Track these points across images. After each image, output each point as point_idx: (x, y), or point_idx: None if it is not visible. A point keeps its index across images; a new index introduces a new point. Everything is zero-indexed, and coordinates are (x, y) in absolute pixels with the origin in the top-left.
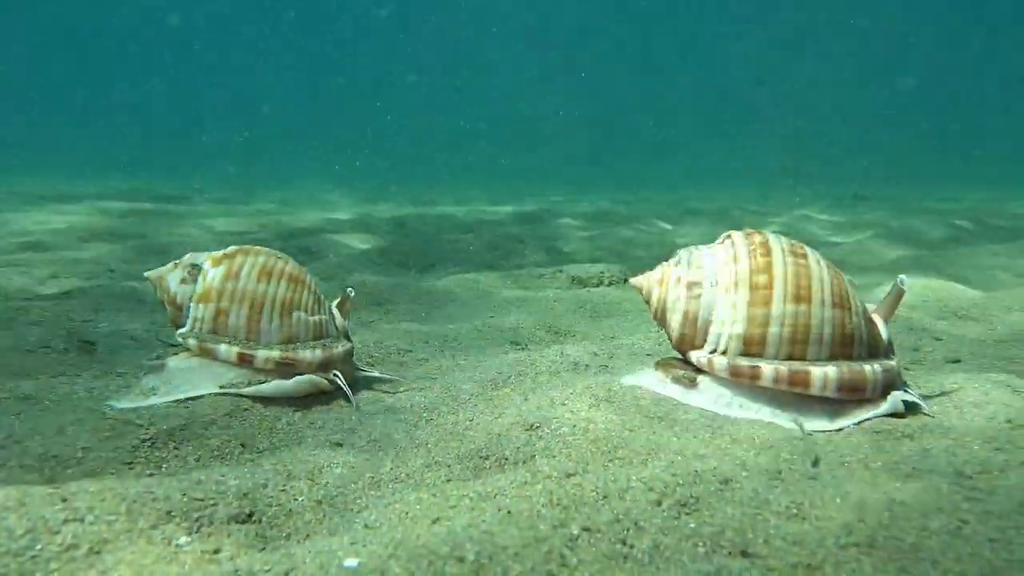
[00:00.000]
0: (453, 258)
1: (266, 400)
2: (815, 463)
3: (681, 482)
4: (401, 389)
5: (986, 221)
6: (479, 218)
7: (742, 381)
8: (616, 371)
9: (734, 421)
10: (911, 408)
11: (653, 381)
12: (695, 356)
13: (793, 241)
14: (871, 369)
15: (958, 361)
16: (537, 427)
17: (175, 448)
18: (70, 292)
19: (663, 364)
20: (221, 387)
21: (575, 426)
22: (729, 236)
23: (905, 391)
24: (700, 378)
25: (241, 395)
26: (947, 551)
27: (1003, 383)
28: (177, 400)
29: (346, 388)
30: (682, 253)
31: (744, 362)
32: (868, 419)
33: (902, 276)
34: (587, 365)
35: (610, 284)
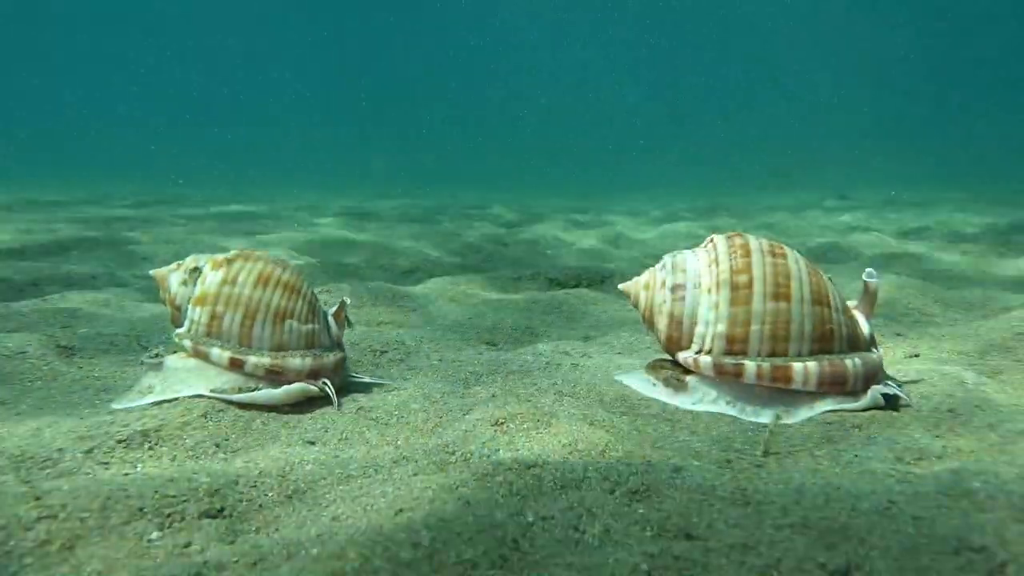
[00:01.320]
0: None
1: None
2: (765, 452)
3: (635, 471)
4: (374, 388)
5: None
6: None
7: (727, 379)
8: (586, 370)
9: (695, 415)
10: (892, 401)
11: (642, 383)
12: (682, 357)
13: (772, 242)
14: (852, 363)
15: (917, 356)
16: (503, 423)
17: (150, 449)
18: (48, 297)
19: (652, 366)
20: (212, 391)
21: (538, 421)
22: (711, 240)
23: (886, 384)
24: (688, 378)
25: (231, 402)
26: (873, 529)
27: (952, 376)
28: (171, 399)
29: (333, 396)
30: (666, 258)
31: (728, 360)
32: (845, 410)
33: (869, 269)
34: (559, 364)
35: (588, 285)
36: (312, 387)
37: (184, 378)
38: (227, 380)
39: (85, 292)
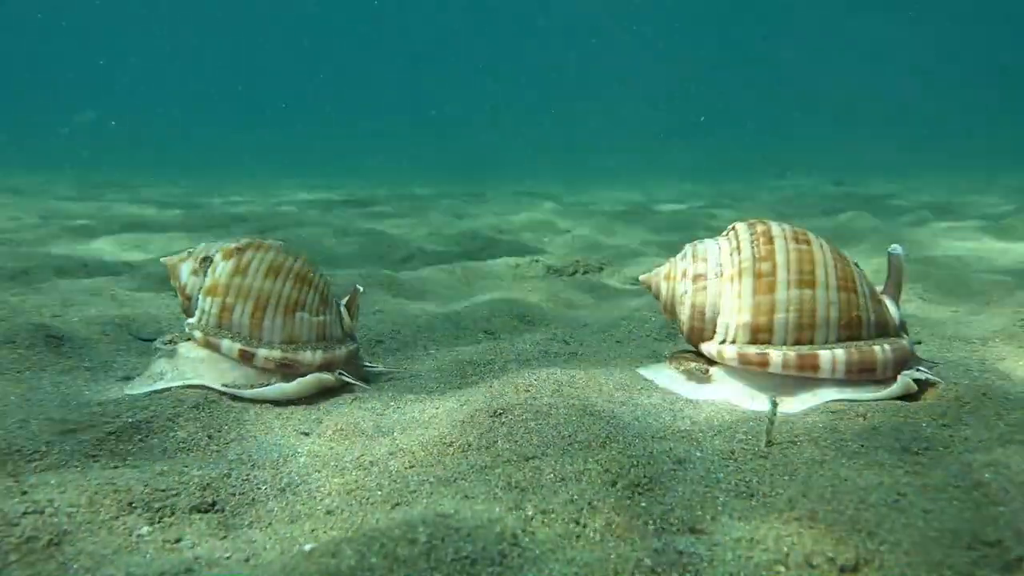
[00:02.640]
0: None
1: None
2: (768, 443)
3: (636, 463)
4: (369, 378)
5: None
6: None
7: (752, 369)
8: (585, 358)
9: (696, 404)
10: (926, 385)
11: (666, 376)
12: (706, 347)
13: (796, 228)
14: (881, 349)
15: (919, 343)
16: (501, 413)
17: (141, 441)
18: (39, 288)
19: (676, 358)
20: (224, 385)
21: (538, 412)
22: (733, 227)
23: (917, 369)
24: (713, 370)
25: (244, 398)
26: (883, 522)
27: (957, 363)
28: (180, 385)
29: (352, 381)
30: (687, 247)
31: (753, 350)
32: (876, 399)
33: (894, 245)
34: (556, 353)
35: (585, 273)
36: (328, 377)
37: (196, 368)
38: (240, 375)
39: (76, 280)
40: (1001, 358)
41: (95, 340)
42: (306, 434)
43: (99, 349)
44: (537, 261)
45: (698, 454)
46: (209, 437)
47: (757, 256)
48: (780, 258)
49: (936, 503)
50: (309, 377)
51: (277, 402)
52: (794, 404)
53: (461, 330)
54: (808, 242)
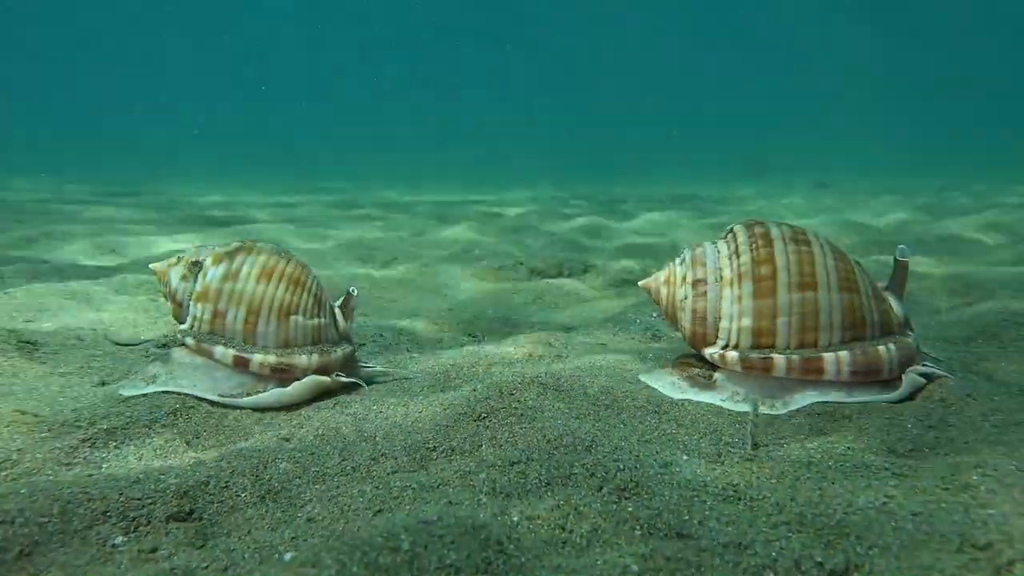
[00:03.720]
0: None
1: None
2: (755, 446)
3: (623, 467)
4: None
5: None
6: None
7: (756, 374)
8: (570, 361)
9: (682, 407)
10: (932, 380)
11: (668, 382)
12: (708, 353)
13: (796, 228)
14: (885, 349)
15: None
16: (485, 417)
17: (116, 448)
18: (12, 293)
19: (678, 363)
20: (220, 396)
21: (522, 415)
22: (731, 230)
23: (924, 365)
24: (716, 375)
25: (240, 407)
26: (871, 526)
27: (942, 365)
28: (175, 392)
29: (349, 381)
30: (685, 251)
31: (756, 355)
32: (885, 401)
33: (901, 246)
34: (541, 356)
35: (569, 275)
36: (325, 380)
37: (190, 375)
38: (234, 384)
39: (51, 284)
40: (983, 358)
41: (71, 345)
42: (287, 439)
43: (75, 355)
44: (521, 264)
45: (684, 457)
46: (187, 444)
47: (756, 259)
48: (780, 261)
49: (925, 506)
50: (306, 381)
51: (271, 408)
52: (796, 405)
53: (444, 333)
54: (808, 243)
